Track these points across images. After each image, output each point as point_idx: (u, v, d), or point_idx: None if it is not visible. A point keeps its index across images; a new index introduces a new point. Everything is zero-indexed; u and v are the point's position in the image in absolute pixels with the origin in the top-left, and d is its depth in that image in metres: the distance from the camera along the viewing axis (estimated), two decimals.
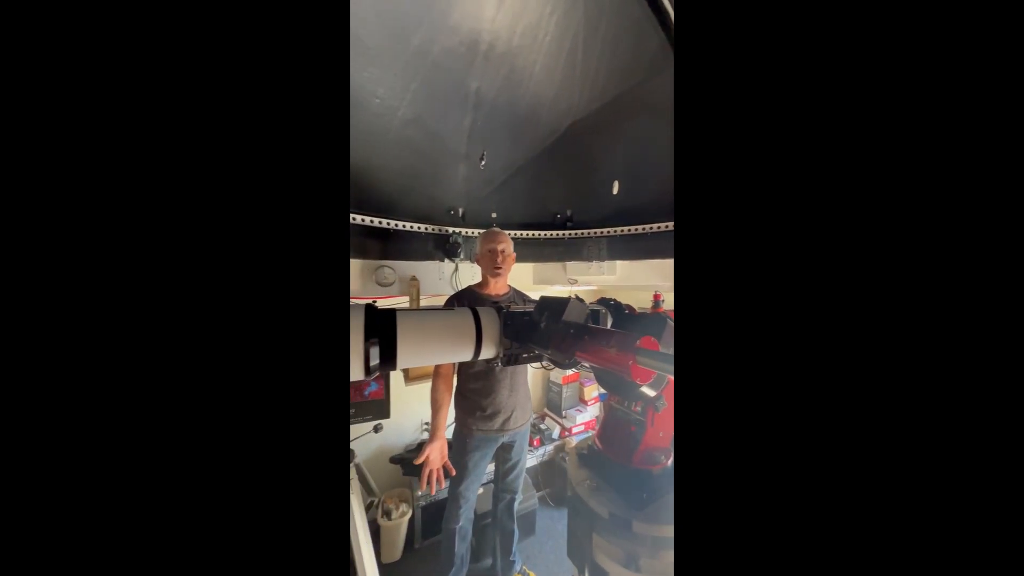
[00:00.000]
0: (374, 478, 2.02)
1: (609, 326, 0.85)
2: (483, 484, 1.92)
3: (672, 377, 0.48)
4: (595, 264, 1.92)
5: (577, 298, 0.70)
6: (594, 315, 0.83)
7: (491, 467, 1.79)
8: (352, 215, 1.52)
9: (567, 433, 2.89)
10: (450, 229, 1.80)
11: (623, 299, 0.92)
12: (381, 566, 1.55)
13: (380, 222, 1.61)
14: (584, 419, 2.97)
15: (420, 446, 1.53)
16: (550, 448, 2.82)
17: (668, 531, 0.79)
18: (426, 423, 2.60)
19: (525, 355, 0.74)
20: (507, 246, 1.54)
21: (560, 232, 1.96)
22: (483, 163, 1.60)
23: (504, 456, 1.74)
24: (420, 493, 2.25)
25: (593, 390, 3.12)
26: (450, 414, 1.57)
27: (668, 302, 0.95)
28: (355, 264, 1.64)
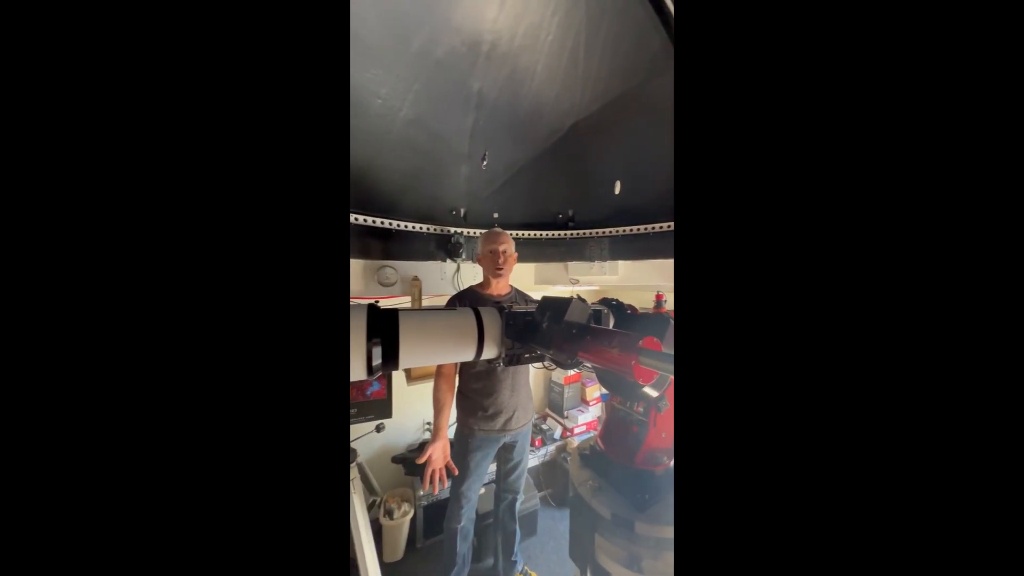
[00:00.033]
0: (376, 478, 2.01)
1: (611, 326, 0.85)
2: (485, 484, 1.92)
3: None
4: (597, 264, 1.92)
5: (579, 298, 0.70)
6: (596, 315, 0.83)
7: (493, 467, 1.79)
8: (354, 215, 1.52)
9: (569, 433, 2.89)
10: (452, 229, 1.80)
11: (625, 299, 0.92)
12: (383, 565, 1.56)
13: (382, 222, 1.61)
14: (586, 419, 2.97)
15: (422, 446, 1.53)
16: (552, 448, 2.82)
17: (671, 532, 0.79)
18: (428, 423, 2.61)
19: (527, 355, 0.74)
20: (508, 247, 1.54)
21: (562, 232, 1.96)
22: (485, 163, 1.61)
23: (506, 456, 1.74)
24: (422, 493, 2.25)
25: (595, 390, 3.11)
26: (452, 414, 1.57)
27: (670, 302, 0.95)
28: (357, 264, 1.64)
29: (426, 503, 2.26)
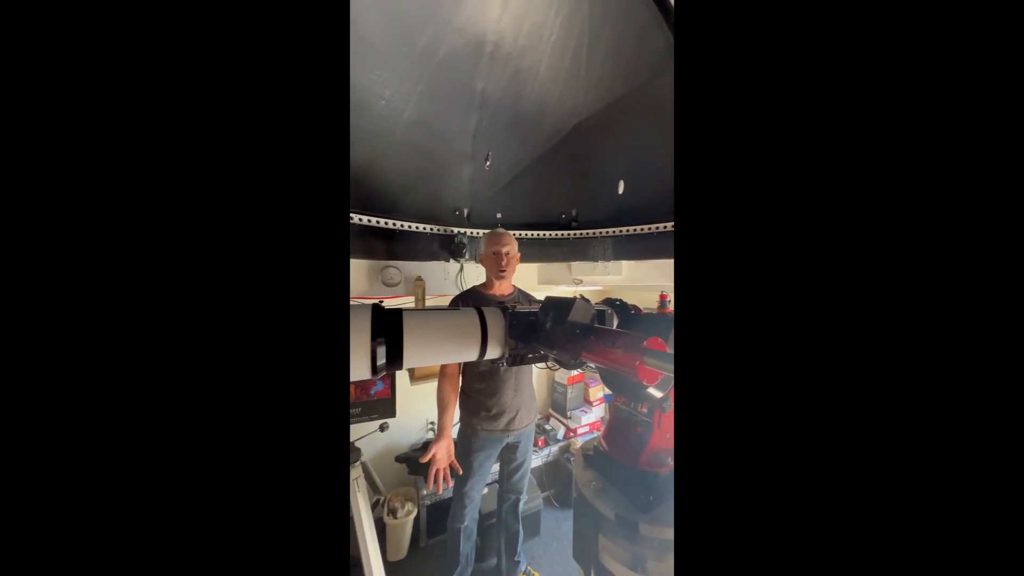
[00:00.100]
0: (380, 477, 2.02)
1: (615, 327, 0.85)
2: (488, 484, 1.92)
3: None
4: (600, 264, 1.91)
5: (583, 298, 0.70)
6: (600, 315, 0.83)
7: (496, 467, 1.79)
8: (358, 216, 1.53)
9: (572, 434, 2.89)
10: (455, 229, 1.81)
11: (629, 299, 0.92)
12: (387, 564, 1.56)
13: (386, 223, 1.62)
14: (589, 420, 2.96)
15: (425, 445, 1.54)
16: (555, 449, 2.82)
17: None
18: (431, 422, 2.61)
19: (530, 355, 0.74)
20: (511, 247, 1.54)
21: (565, 232, 1.96)
22: (488, 163, 1.61)
23: (509, 456, 1.74)
24: (426, 492, 2.26)
25: (598, 391, 3.11)
26: (456, 414, 1.58)
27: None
28: (361, 264, 1.65)
29: (429, 502, 2.27)
